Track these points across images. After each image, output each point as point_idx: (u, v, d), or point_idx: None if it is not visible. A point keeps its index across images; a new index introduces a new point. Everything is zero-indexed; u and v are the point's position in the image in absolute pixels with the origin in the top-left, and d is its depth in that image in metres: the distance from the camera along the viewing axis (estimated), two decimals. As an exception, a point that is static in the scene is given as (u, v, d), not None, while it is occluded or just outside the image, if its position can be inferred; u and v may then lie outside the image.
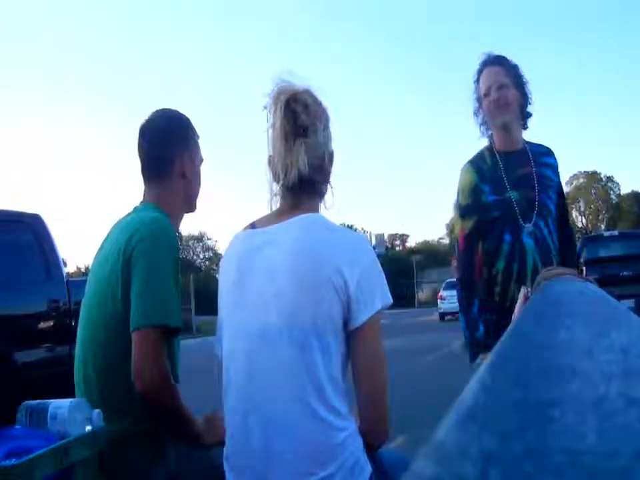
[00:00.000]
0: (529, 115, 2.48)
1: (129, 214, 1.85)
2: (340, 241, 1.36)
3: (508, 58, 2.50)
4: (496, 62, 2.46)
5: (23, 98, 78.35)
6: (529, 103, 2.47)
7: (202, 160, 1.94)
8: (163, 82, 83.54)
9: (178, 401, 1.65)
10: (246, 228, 1.49)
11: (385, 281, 1.39)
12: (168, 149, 1.83)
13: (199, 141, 1.93)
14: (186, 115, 1.94)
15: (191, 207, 1.94)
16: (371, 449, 1.37)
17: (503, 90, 2.40)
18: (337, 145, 1.49)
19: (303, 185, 1.40)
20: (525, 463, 0.26)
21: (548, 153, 2.51)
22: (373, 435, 1.37)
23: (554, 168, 2.49)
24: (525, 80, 2.46)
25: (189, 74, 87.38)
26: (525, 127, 2.50)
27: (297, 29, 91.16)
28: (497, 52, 2.53)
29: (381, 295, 1.35)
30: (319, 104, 1.42)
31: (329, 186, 1.46)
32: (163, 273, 1.65)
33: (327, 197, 1.47)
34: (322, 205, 1.46)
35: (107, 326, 1.70)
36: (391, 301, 1.37)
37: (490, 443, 0.29)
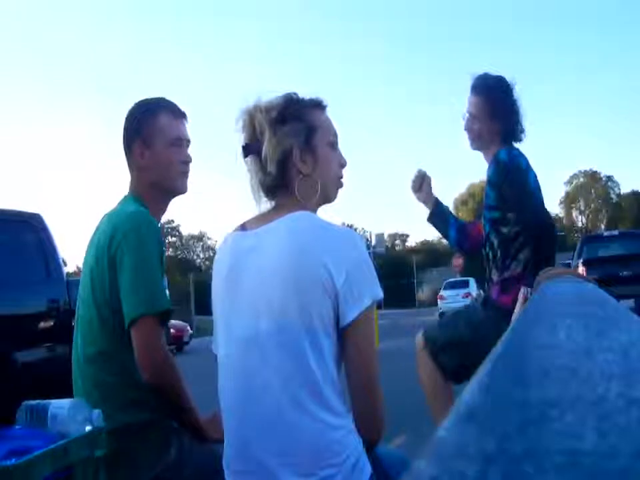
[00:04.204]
0: (510, 131, 2.57)
1: (115, 207, 1.89)
2: (326, 238, 1.35)
3: (486, 77, 2.60)
4: (472, 90, 2.63)
5: (23, 98, 78.34)
6: (509, 123, 2.57)
7: (177, 139, 1.89)
8: (163, 82, 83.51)
9: (184, 386, 1.73)
10: (236, 229, 1.49)
11: (375, 275, 1.37)
12: (126, 140, 1.92)
13: (170, 122, 1.89)
14: (146, 100, 1.95)
15: (168, 191, 1.91)
16: (368, 446, 1.37)
17: (470, 121, 2.61)
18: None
19: (279, 185, 1.43)
20: (524, 463, 0.26)
21: (491, 163, 2.57)
22: (368, 431, 1.37)
23: (490, 179, 2.57)
24: (501, 103, 2.55)
25: (190, 73, 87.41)
26: (510, 141, 2.58)
27: (297, 28, 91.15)
28: (482, 68, 2.74)
29: (371, 290, 1.34)
30: (268, 110, 1.43)
31: (311, 180, 1.44)
32: (148, 264, 1.72)
33: (310, 190, 1.44)
34: (312, 201, 1.44)
35: (100, 315, 1.76)
36: (381, 295, 1.36)
37: (490, 443, 0.29)
